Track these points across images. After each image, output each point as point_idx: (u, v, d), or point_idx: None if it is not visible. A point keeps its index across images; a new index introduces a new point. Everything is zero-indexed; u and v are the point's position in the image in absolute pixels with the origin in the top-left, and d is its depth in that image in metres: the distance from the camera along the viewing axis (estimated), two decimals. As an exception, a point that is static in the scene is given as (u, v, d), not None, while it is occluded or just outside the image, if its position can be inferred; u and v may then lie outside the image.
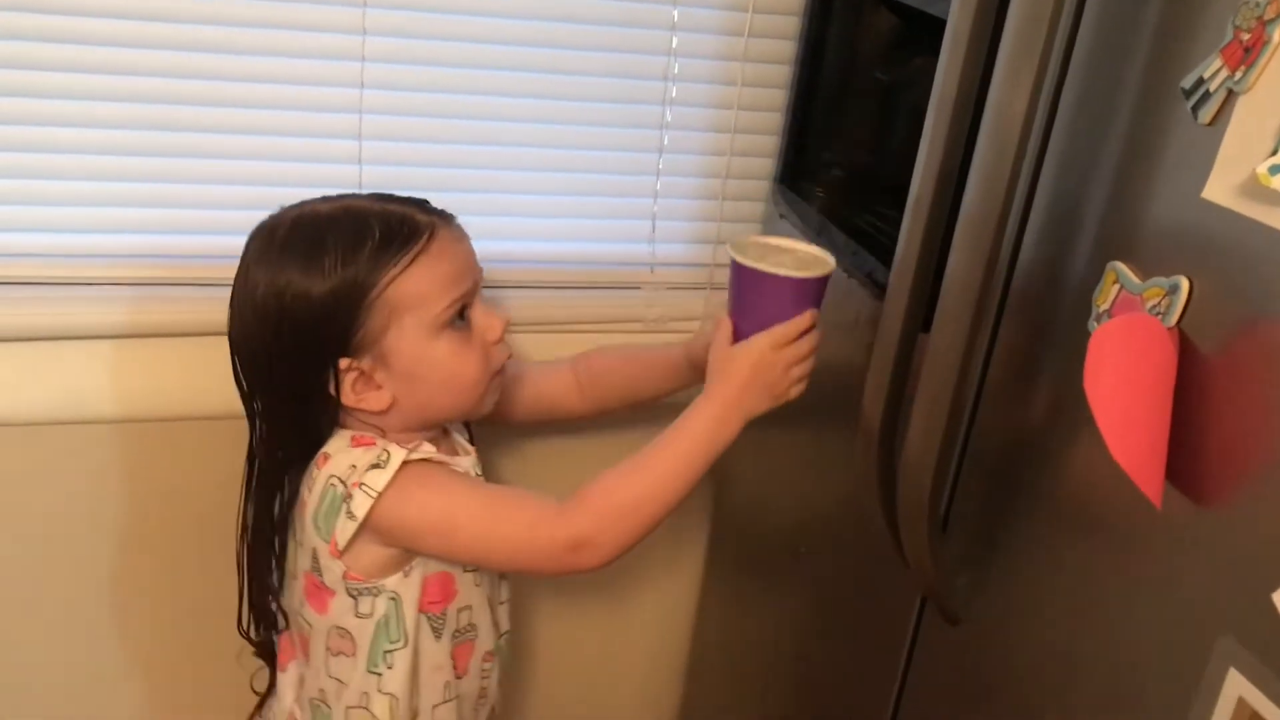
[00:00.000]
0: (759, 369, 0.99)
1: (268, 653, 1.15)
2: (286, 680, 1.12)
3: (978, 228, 0.76)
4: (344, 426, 1.03)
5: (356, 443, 1.00)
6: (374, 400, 1.00)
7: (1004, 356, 0.85)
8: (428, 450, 1.00)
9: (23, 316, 1.18)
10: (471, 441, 1.13)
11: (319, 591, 1.03)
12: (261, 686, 1.17)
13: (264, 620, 1.11)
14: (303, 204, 1.02)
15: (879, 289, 0.99)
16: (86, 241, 1.19)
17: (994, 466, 0.87)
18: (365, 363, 0.98)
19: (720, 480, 1.44)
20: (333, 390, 0.98)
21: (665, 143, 1.30)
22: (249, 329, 0.99)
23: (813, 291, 1.00)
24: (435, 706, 1.09)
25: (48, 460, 1.24)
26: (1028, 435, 0.83)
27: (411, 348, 0.99)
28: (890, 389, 0.86)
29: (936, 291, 0.82)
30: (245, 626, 1.12)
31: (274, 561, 1.08)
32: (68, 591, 1.31)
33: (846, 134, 1.20)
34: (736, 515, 1.43)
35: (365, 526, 0.97)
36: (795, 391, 1.02)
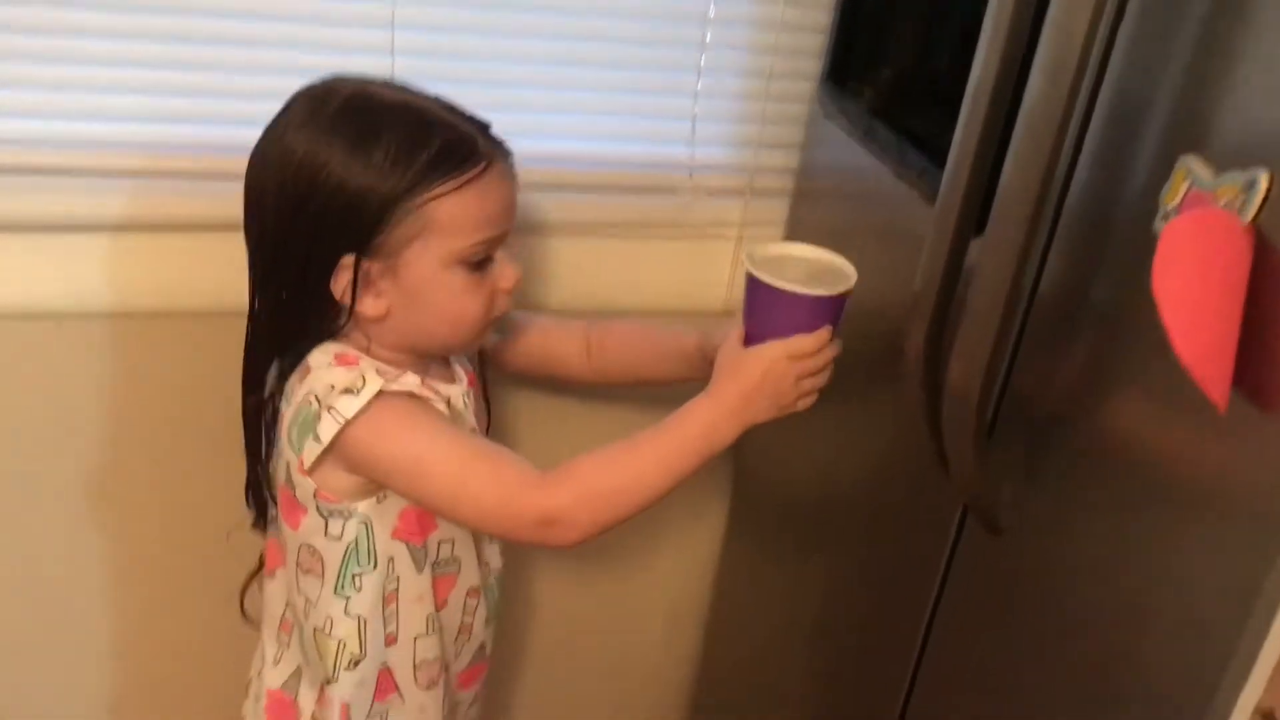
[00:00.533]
0: (769, 377, 0.97)
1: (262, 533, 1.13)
2: (274, 588, 1.11)
3: (1039, 122, 0.72)
4: (333, 338, 0.99)
5: (339, 360, 0.97)
6: (369, 306, 0.96)
7: (1061, 258, 0.82)
8: (409, 382, 0.97)
9: (21, 205, 1.14)
10: (485, 382, 1.11)
11: (292, 506, 1.02)
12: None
13: (256, 507, 1.10)
14: (362, 80, 0.97)
15: (929, 191, 0.96)
16: (87, 130, 1.15)
17: (1045, 372, 0.84)
18: (375, 266, 0.95)
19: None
20: (331, 284, 0.95)
21: (708, 39, 1.25)
22: (269, 193, 0.95)
23: (833, 308, 0.97)
24: (417, 638, 1.07)
25: (41, 352, 1.21)
26: (1082, 339, 0.80)
27: (427, 270, 0.95)
28: (941, 291, 0.83)
29: (990, 192, 0.79)
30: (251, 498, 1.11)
31: (260, 458, 1.06)
32: (56, 485, 1.29)
33: (898, 30, 1.15)
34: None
35: (331, 452, 0.95)
36: (803, 404, 1.00)
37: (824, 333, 0.97)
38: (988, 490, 0.85)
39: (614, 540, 1.52)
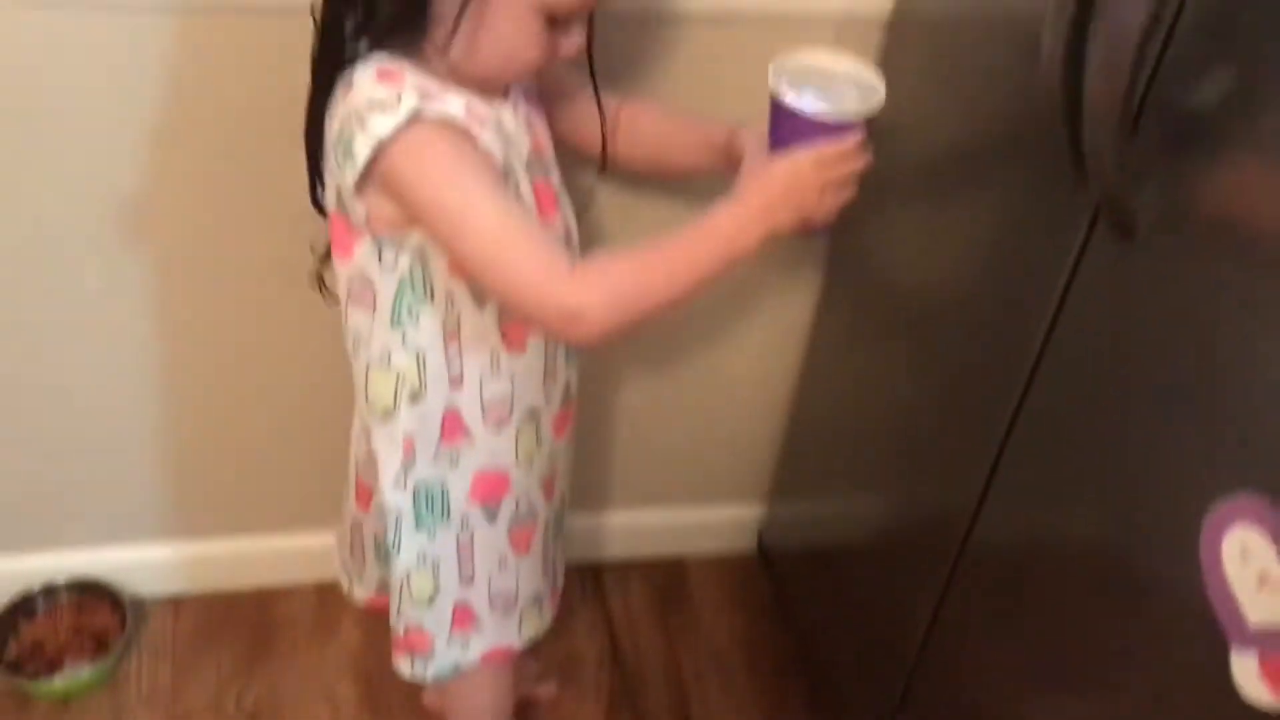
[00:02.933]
0: (794, 184, 0.97)
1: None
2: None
3: None
4: (381, 48, 0.93)
5: (381, 76, 0.92)
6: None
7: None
8: (451, 107, 0.91)
9: None
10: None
11: (345, 233, 0.99)
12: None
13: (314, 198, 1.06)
14: None
15: None
16: None
17: (1198, 65, 0.77)
18: None
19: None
20: None
21: None
22: None
23: (857, 128, 0.98)
24: (482, 377, 1.05)
25: (89, 46, 1.15)
26: (1242, 29, 0.72)
27: (514, 4, 0.90)
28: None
29: None
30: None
31: (318, 175, 1.02)
32: (97, 184, 1.26)
33: None
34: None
35: (372, 176, 0.91)
36: (824, 216, 0.98)
37: (852, 141, 0.97)
38: (1124, 190, 0.79)
39: (705, 308, 1.53)
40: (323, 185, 1.02)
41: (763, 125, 1.03)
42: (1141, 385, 0.85)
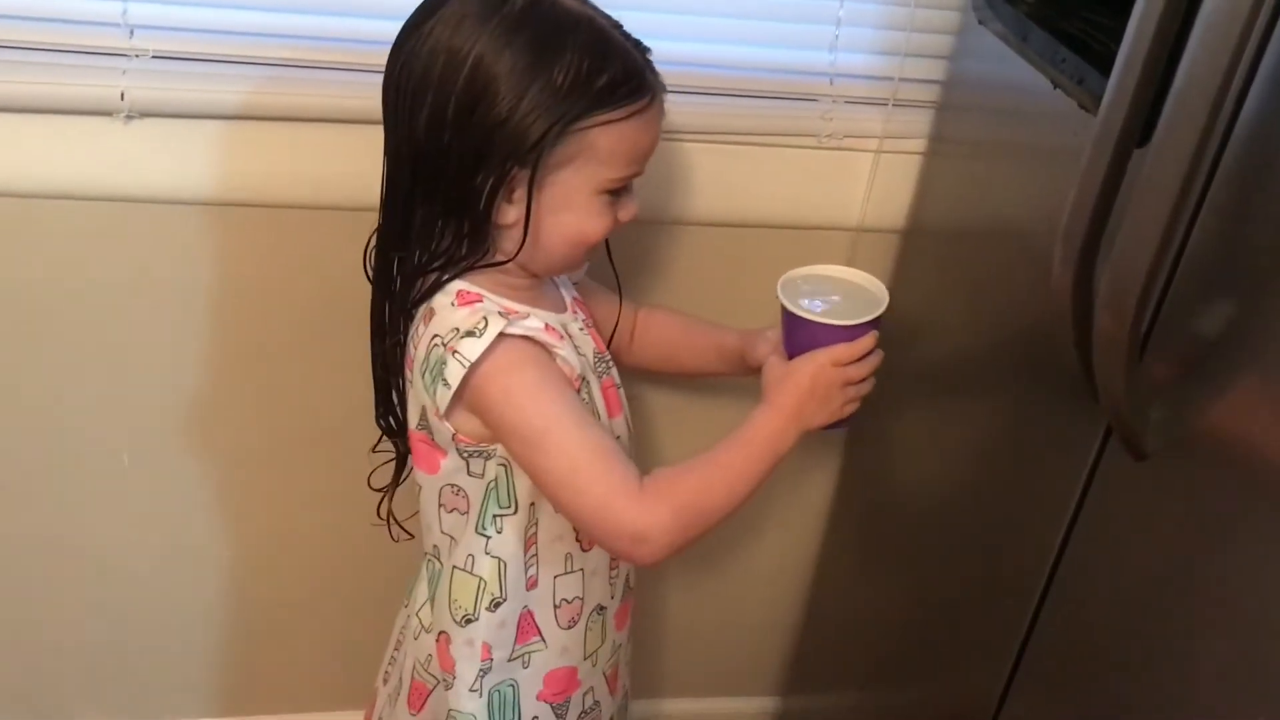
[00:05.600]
0: (818, 383, 1.01)
1: (397, 449, 1.13)
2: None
3: (1224, 20, 0.68)
4: (456, 276, 0.97)
5: (461, 300, 0.96)
6: (507, 214, 0.94)
7: (1230, 172, 0.77)
8: (532, 325, 0.95)
9: (141, 90, 1.13)
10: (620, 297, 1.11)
11: (430, 451, 1.02)
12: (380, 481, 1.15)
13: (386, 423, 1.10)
14: None
15: (1089, 99, 0.91)
16: (201, 15, 1.14)
17: (1204, 292, 0.80)
18: (521, 175, 0.92)
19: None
20: (487, 193, 0.92)
21: (856, -60, 1.21)
22: (436, 87, 0.89)
23: (868, 330, 1.04)
24: (556, 577, 1.07)
25: (146, 238, 1.21)
26: (1248, 257, 0.75)
27: (573, 192, 0.94)
28: (1099, 199, 0.79)
29: (1158, 100, 0.75)
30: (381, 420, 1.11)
31: (392, 400, 1.07)
32: (150, 376, 1.30)
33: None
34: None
35: (460, 397, 0.94)
36: (848, 409, 1.03)
37: (868, 339, 1.03)
38: (1135, 412, 0.82)
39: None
40: (392, 409, 1.06)
41: (774, 329, 1.09)
42: (1156, 605, 0.85)
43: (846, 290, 1.08)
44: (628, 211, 1.00)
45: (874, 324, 1.04)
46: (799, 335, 1.04)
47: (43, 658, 1.50)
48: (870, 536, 1.44)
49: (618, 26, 0.96)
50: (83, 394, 1.30)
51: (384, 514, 1.16)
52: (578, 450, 0.93)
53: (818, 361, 1.01)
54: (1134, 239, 0.75)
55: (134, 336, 1.27)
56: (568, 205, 0.95)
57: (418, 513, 1.12)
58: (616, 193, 0.98)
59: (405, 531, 1.17)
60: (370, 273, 1.02)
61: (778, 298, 1.04)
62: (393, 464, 1.15)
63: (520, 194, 0.94)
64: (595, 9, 0.96)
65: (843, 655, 1.52)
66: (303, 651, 1.57)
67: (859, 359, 1.03)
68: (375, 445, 1.14)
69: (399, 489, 1.16)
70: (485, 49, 0.88)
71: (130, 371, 1.29)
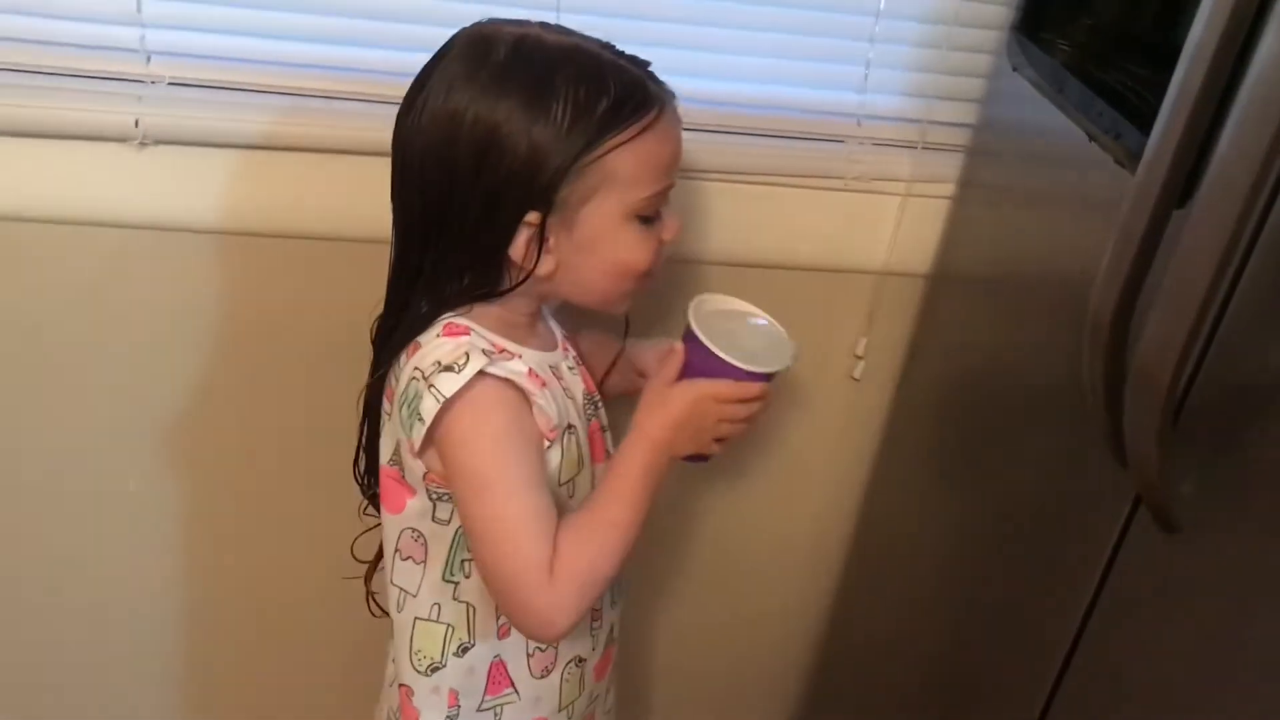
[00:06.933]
0: (694, 413, 0.97)
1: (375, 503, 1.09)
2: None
3: (1272, 83, 0.65)
4: (448, 308, 0.95)
5: (448, 331, 0.93)
6: (544, 264, 0.92)
7: (1274, 237, 0.74)
8: (515, 369, 0.92)
9: (155, 118, 1.11)
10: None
11: (397, 488, 0.99)
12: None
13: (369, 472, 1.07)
14: (521, 25, 0.92)
15: (1126, 155, 0.88)
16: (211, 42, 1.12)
17: (1242, 362, 0.76)
18: (552, 221, 0.90)
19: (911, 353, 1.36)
20: (510, 246, 0.91)
21: (888, -20, 1.18)
22: (439, 154, 0.89)
23: (766, 380, 1.00)
24: None
25: (157, 265, 1.19)
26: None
27: (603, 223, 0.92)
28: (1134, 264, 0.75)
29: (1198, 161, 0.72)
30: (359, 474, 1.08)
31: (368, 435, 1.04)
32: (152, 398, 1.28)
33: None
34: (923, 388, 1.34)
35: (432, 433, 0.90)
36: (715, 448, 1.00)
37: (758, 388, 0.99)
38: (1167, 483, 0.78)
39: (740, 545, 1.52)
40: (368, 454, 1.04)
41: (663, 342, 1.06)
42: (1183, 677, 0.82)
43: (755, 332, 1.05)
44: (670, 229, 0.97)
45: (769, 376, 1.00)
46: (700, 363, 0.99)
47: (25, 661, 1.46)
48: (887, 587, 1.41)
49: (608, 47, 0.94)
50: (89, 417, 1.28)
51: (366, 588, 1.15)
52: (516, 514, 0.90)
53: (700, 391, 0.97)
54: (1171, 307, 0.72)
55: (143, 362, 1.25)
56: (603, 239, 0.93)
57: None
58: (651, 218, 0.95)
59: (385, 612, 1.12)
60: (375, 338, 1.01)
61: (687, 317, 1.00)
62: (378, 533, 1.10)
63: (553, 242, 0.92)
64: (580, 36, 0.94)
65: (859, 697, 1.49)
66: (300, 665, 1.53)
67: (743, 401, 0.99)
68: (364, 507, 1.11)
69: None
70: (479, 105, 0.87)
71: (137, 397, 1.27)
